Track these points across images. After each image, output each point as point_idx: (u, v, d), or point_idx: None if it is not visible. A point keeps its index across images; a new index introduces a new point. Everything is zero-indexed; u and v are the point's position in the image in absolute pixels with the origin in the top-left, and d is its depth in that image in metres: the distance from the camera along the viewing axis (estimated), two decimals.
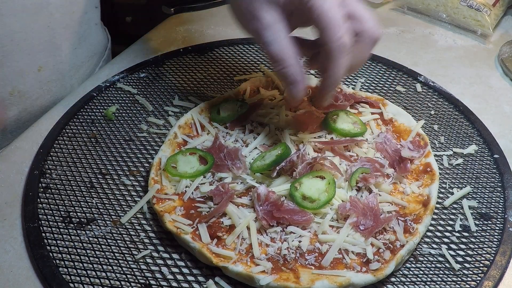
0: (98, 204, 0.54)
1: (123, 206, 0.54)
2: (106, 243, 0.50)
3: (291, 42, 0.50)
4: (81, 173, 0.57)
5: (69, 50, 0.73)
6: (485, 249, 0.50)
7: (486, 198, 0.56)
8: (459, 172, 0.59)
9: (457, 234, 0.52)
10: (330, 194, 0.51)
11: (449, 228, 0.53)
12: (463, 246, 0.51)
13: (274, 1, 0.49)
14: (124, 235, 0.50)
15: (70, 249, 0.49)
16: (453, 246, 0.51)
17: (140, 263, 0.48)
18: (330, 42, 0.47)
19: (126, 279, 0.47)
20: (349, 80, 0.73)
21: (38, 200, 0.54)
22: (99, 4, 0.78)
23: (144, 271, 0.47)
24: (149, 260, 0.48)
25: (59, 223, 0.51)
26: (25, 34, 0.64)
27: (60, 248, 0.49)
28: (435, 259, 0.49)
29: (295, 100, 0.53)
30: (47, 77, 0.70)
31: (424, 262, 0.49)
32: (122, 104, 0.68)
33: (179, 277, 0.47)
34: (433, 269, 0.48)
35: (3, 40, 0.61)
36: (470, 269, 0.48)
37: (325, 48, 0.48)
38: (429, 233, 0.52)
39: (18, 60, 0.64)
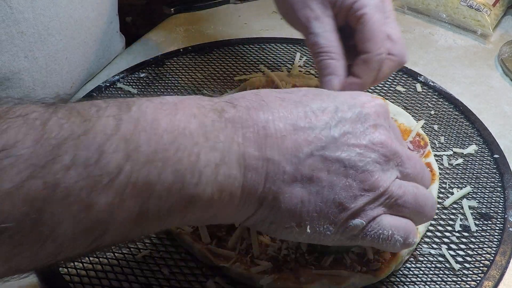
0: None
1: None
2: None
3: (337, 37, 0.51)
4: None
5: (95, 62, 0.73)
6: (485, 249, 0.50)
7: (486, 198, 0.56)
8: (459, 172, 0.59)
9: (457, 234, 0.52)
10: None
11: (449, 228, 0.53)
12: (463, 246, 0.51)
13: None
14: None
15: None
16: (453, 246, 0.51)
17: (140, 263, 0.48)
18: (372, 54, 0.49)
19: (126, 279, 0.47)
20: None
21: None
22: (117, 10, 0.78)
23: (144, 271, 0.47)
24: (149, 260, 0.48)
25: None
26: (66, 53, 0.64)
27: None
28: (435, 259, 0.49)
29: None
30: (74, 91, 0.71)
31: (424, 262, 0.49)
32: None
33: (180, 277, 0.47)
34: (433, 269, 0.49)
35: (47, 60, 0.61)
36: (470, 269, 0.49)
37: (365, 57, 0.50)
38: (429, 233, 0.52)
39: (58, 80, 0.64)
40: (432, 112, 0.68)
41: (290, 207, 0.35)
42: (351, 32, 0.52)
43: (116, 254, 0.49)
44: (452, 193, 0.56)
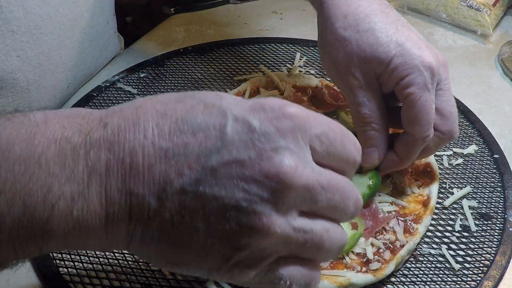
0: None
1: None
2: None
3: (382, 107, 0.49)
4: None
5: (92, 62, 0.73)
6: (485, 249, 0.50)
7: (486, 198, 0.56)
8: (459, 172, 0.59)
9: (457, 234, 0.52)
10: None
11: (449, 228, 0.53)
12: (463, 246, 0.51)
13: (373, 66, 0.48)
14: None
15: (70, 249, 0.49)
16: (453, 246, 0.51)
17: (140, 263, 0.48)
18: (415, 138, 0.48)
19: (126, 279, 0.47)
20: None
21: None
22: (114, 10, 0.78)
23: (144, 271, 0.47)
24: None
25: None
26: (60, 52, 0.63)
27: None
28: (435, 259, 0.49)
29: (367, 164, 0.51)
30: (72, 92, 0.70)
31: (424, 262, 0.49)
32: None
33: (180, 277, 0.47)
34: (433, 269, 0.49)
35: (40, 59, 0.60)
36: (470, 269, 0.49)
37: (408, 139, 0.49)
38: (429, 233, 0.52)
39: (53, 79, 0.64)
40: None
41: (159, 248, 0.30)
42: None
43: (116, 254, 0.49)
44: (452, 193, 0.56)
